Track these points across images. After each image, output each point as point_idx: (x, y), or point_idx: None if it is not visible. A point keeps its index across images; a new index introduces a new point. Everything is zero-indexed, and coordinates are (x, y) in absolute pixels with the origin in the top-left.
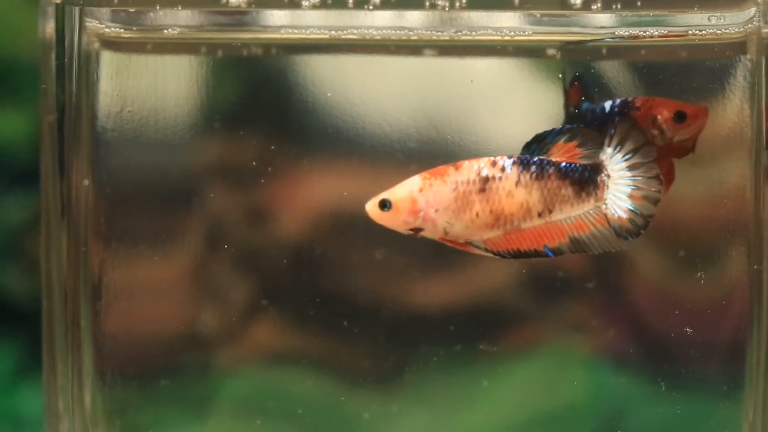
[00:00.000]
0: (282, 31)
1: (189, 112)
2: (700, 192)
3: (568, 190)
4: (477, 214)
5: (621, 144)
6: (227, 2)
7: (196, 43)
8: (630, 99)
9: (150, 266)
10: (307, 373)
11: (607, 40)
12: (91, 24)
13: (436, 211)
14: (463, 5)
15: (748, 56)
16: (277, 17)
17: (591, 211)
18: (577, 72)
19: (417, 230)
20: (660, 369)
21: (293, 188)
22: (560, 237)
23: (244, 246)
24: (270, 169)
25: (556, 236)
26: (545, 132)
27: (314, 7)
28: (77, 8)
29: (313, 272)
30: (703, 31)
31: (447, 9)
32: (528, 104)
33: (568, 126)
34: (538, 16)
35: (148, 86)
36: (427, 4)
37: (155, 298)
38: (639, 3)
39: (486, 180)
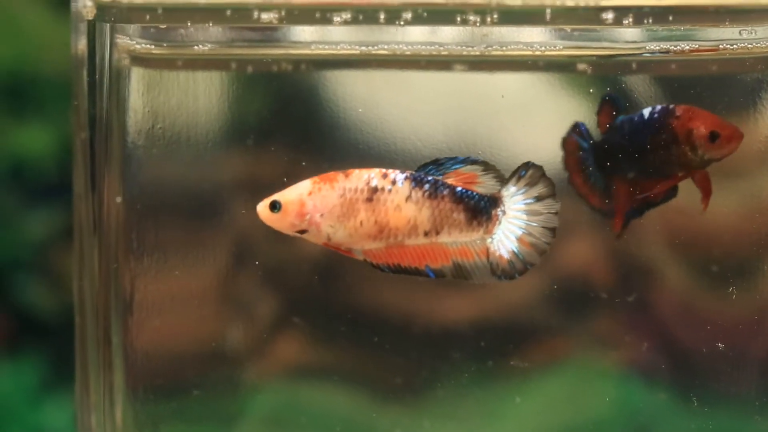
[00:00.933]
0: (312, 47)
1: (220, 127)
2: (732, 206)
3: (460, 215)
4: (361, 223)
5: (528, 187)
6: (258, 18)
7: (226, 59)
8: (671, 106)
9: (181, 282)
10: (338, 389)
11: (657, 54)
12: (122, 40)
13: (322, 215)
14: (495, 20)
15: None
16: (307, 33)
17: (477, 241)
18: (606, 95)
19: (302, 232)
20: (691, 384)
21: None
22: (443, 259)
23: (274, 261)
24: None
25: (440, 258)
26: (445, 158)
27: (345, 22)
28: (108, 25)
29: (344, 287)
30: (734, 45)
31: (478, 24)
32: (559, 119)
33: (472, 157)
34: (569, 30)
35: (178, 102)
36: (459, 19)
37: (186, 314)
38: (671, 18)
39: (374, 190)
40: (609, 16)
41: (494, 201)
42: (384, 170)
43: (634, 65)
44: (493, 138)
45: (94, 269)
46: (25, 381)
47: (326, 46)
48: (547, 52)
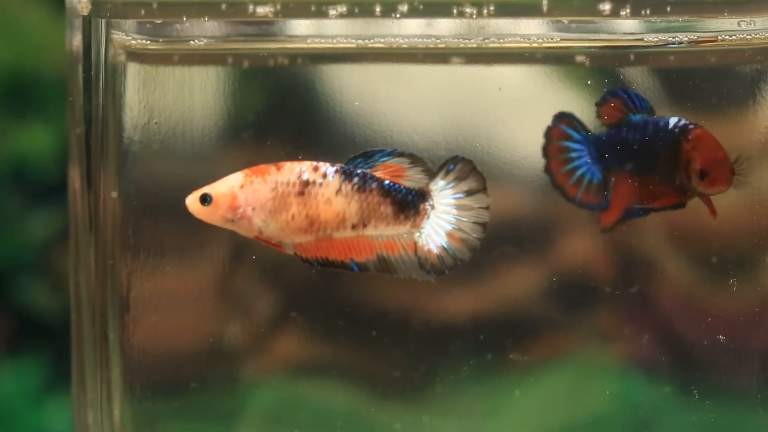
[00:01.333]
0: (308, 41)
1: (216, 122)
2: (732, 198)
3: (387, 209)
4: (293, 217)
5: (457, 181)
6: (254, 12)
7: (222, 54)
8: (690, 126)
9: (177, 278)
10: (337, 384)
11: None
12: (118, 36)
13: (254, 209)
14: (491, 12)
15: None
16: (303, 27)
17: (404, 235)
18: (622, 90)
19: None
20: (692, 377)
21: None
22: (368, 253)
23: (272, 257)
24: None
25: (365, 251)
26: (374, 150)
27: (341, 16)
28: (104, 20)
29: (342, 282)
30: (733, 36)
31: (475, 16)
32: (556, 110)
33: (399, 150)
34: (566, 22)
35: (174, 98)
36: (455, 11)
37: (183, 311)
38: (668, 9)
39: (306, 184)
40: (606, 7)
41: (422, 195)
42: (315, 163)
43: (631, 57)
44: (491, 130)
45: (90, 266)
46: (27, 382)
47: (322, 40)
48: (544, 44)
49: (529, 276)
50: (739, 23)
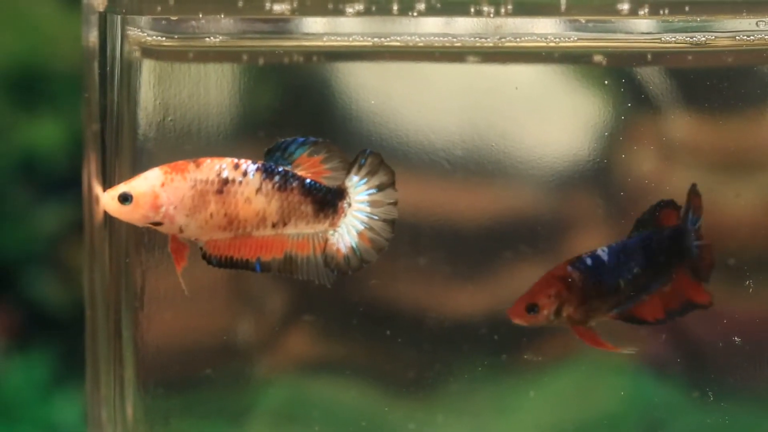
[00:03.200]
0: (324, 39)
1: (231, 120)
2: (749, 199)
3: (308, 208)
4: (211, 215)
5: (369, 176)
6: (270, 9)
7: (237, 51)
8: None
9: (192, 275)
10: (350, 383)
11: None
12: (133, 32)
13: (175, 207)
14: (509, 11)
15: None
16: (319, 24)
17: (320, 234)
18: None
19: (156, 224)
20: (707, 378)
21: None
22: (277, 252)
23: None
24: None
25: (275, 250)
26: (288, 140)
27: (358, 14)
28: (119, 17)
29: (356, 280)
30: (751, 37)
31: (492, 15)
32: (573, 111)
33: (312, 138)
34: (584, 21)
35: (189, 94)
36: (472, 10)
37: (197, 307)
38: (687, 8)
39: (225, 182)
40: (625, 6)
41: (340, 193)
42: (236, 160)
43: (648, 56)
44: (507, 129)
45: (104, 262)
46: (36, 375)
47: (338, 38)
48: (561, 44)
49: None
50: (757, 23)
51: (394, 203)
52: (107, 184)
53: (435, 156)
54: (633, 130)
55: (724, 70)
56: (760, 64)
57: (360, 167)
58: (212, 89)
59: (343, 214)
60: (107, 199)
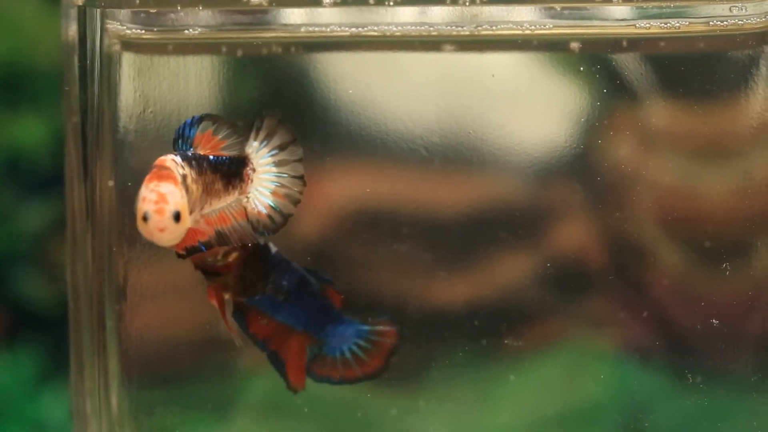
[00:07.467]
0: (302, 29)
1: (211, 111)
2: (725, 183)
3: (219, 184)
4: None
5: (268, 138)
6: (248, 1)
7: (216, 43)
8: None
9: (175, 266)
10: None
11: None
12: (112, 26)
13: (192, 211)
14: (484, 0)
15: None
16: (297, 15)
17: (233, 204)
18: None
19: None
20: (687, 362)
21: (316, 186)
22: (209, 231)
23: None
24: None
25: (207, 231)
26: (182, 125)
27: (335, 4)
28: (98, 10)
29: (337, 270)
30: (725, 22)
31: (468, 4)
32: (549, 98)
33: (197, 116)
34: (558, 9)
35: (169, 87)
36: (448, 0)
37: (180, 299)
38: None
39: (185, 177)
40: None
41: (242, 161)
42: (163, 158)
43: (624, 43)
44: (485, 117)
45: (87, 255)
46: (23, 373)
47: (316, 29)
48: (536, 31)
49: (523, 262)
50: (730, 9)
51: (299, 160)
52: (89, 176)
53: (413, 144)
54: (609, 115)
55: (697, 55)
56: (733, 49)
57: (258, 132)
58: (192, 81)
59: (249, 181)
60: (167, 222)
